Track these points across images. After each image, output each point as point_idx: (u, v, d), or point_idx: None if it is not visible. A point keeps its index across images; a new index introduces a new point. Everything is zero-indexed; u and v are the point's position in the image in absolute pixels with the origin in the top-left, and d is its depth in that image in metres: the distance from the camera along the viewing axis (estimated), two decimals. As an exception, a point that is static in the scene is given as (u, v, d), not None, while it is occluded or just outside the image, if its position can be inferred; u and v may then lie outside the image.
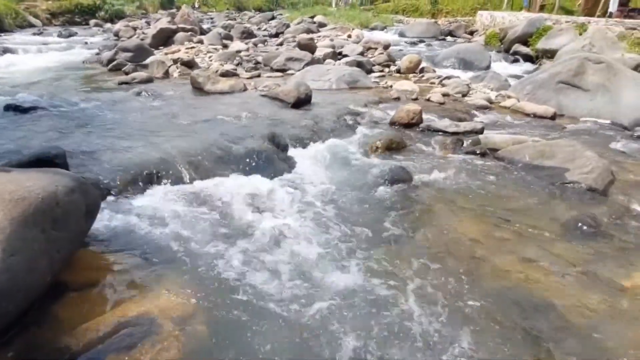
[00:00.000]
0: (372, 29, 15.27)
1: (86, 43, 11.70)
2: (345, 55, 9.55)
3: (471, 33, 14.08)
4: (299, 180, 3.42)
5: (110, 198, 3.03)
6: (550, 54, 9.79)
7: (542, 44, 10.17)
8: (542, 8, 13.82)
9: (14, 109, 4.90)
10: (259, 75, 7.64)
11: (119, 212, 2.88)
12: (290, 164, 3.73)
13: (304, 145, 4.12)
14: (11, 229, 1.68)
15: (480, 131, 4.42)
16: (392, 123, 4.63)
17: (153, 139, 4.05)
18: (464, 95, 6.29)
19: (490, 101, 6.10)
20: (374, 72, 8.40)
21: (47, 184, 1.94)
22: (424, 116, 4.69)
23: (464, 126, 4.39)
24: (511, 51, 10.79)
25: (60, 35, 13.18)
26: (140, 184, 3.30)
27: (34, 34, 13.74)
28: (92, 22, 16.62)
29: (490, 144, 4.08)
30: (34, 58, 9.68)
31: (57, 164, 3.08)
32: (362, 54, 9.89)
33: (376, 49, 10.45)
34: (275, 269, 2.38)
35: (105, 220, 2.75)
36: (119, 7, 18.60)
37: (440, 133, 4.38)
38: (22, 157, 3.06)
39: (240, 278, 2.31)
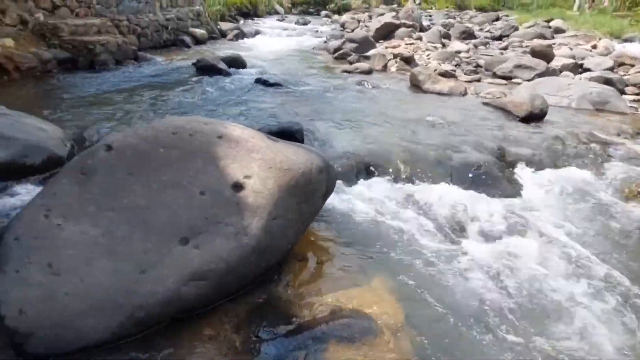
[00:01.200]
0: (627, 40, 12.50)
1: (317, 31, 13.08)
2: (588, 70, 8.05)
3: None
4: (528, 208, 2.97)
5: (333, 180, 3.23)
6: None
7: None
8: None
9: (262, 82, 5.77)
10: (479, 80, 7.12)
11: (340, 195, 3.03)
12: (517, 187, 3.28)
13: (536, 169, 3.58)
14: (278, 196, 1.87)
15: None
16: (663, 165, 3.60)
17: (371, 131, 4.16)
18: None
19: None
20: (626, 93, 6.83)
21: (305, 160, 2.10)
22: None
23: None
24: None
25: (297, 23, 15.13)
26: (359, 172, 3.41)
27: (278, 20, 16.15)
28: (323, 12, 18.58)
29: None
30: (276, 40, 11.34)
31: (296, 138, 3.43)
32: (611, 69, 8.17)
33: (632, 65, 8.47)
34: (501, 287, 2.10)
35: (329, 200, 2.93)
36: (347, 0, 20.24)
37: None
38: (272, 126, 3.52)
39: (457, 291, 2.11)
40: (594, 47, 10.91)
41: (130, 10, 8.09)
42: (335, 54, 8.59)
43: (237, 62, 6.93)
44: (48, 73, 5.60)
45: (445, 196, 3.09)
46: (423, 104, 5.29)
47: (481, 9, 24.03)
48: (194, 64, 6.73)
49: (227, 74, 6.31)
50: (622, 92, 6.80)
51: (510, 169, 3.52)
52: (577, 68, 8.02)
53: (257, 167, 1.87)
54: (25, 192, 2.74)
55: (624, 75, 7.86)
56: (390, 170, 3.43)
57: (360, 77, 6.64)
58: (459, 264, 2.35)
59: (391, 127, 4.28)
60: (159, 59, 7.22)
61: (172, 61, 7.27)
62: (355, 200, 3.01)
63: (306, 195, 2.05)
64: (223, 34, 11.33)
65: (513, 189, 3.23)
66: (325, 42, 10.96)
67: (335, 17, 17.42)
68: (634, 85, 7.33)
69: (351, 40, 8.80)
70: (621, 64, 8.67)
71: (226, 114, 4.33)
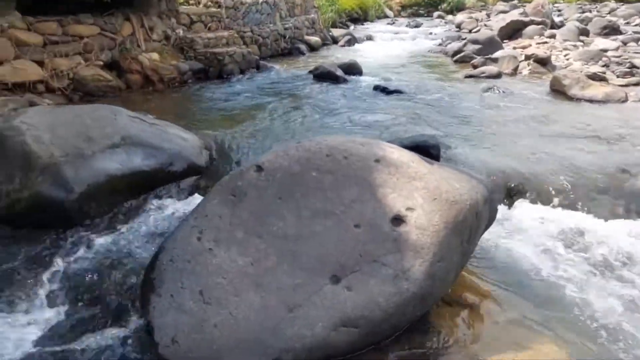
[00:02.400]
0: None
1: (430, 34, 12.41)
2: None
3: None
4: None
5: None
6: None
7: None
8: None
9: (382, 90, 5.49)
10: (637, 84, 5.91)
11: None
12: None
13: None
14: (444, 234, 1.55)
15: None
16: None
17: (513, 145, 3.60)
18: None
19: None
20: None
21: (470, 189, 1.74)
22: None
23: None
24: None
25: (407, 26, 14.59)
26: (505, 197, 2.93)
27: (388, 24, 15.78)
28: (435, 14, 17.67)
29: None
30: (388, 45, 11.00)
31: (431, 155, 3.07)
32: None
33: None
34: None
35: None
36: (461, -1, 18.99)
37: None
38: (403, 140, 3.21)
39: None
40: None
41: (255, 21, 8.48)
42: (455, 57, 7.96)
43: (353, 69, 6.77)
44: (184, 83, 6.05)
45: (620, 235, 2.47)
46: (572, 113, 4.50)
47: (623, 1, 20.74)
48: (310, 71, 6.74)
49: (344, 81, 6.17)
50: None
51: None
52: None
53: (420, 198, 1.58)
54: (170, 200, 2.84)
55: None
56: (543, 195, 2.89)
57: (488, 82, 5.97)
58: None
59: (536, 141, 3.66)
60: (277, 67, 7.41)
61: (290, 69, 7.40)
62: (504, 231, 2.55)
63: (470, 232, 1.70)
64: (335, 40, 11.35)
65: None
66: (440, 44, 10.30)
67: (449, 17, 16.42)
68: None
69: (474, 42, 8.07)
70: None
71: (350, 123, 4.14)
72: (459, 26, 12.88)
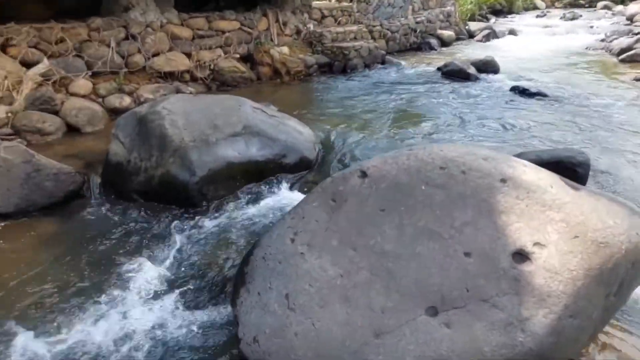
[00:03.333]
0: None
1: (591, 27, 10.63)
2: None
3: None
4: None
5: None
6: None
7: None
8: None
9: (520, 92, 4.85)
10: None
11: None
12: None
13: None
14: (583, 282, 1.22)
15: None
16: None
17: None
18: None
19: None
20: None
21: (629, 227, 1.35)
22: None
23: None
24: None
25: (562, 18, 12.74)
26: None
27: (537, 16, 14.01)
28: (600, 4, 15.06)
29: None
30: (535, 40, 9.75)
31: (577, 174, 2.56)
32: None
33: None
34: None
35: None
36: (639, -15, 15.77)
37: None
38: (541, 153, 2.74)
39: None
40: None
41: (385, 15, 8.31)
42: (622, 56, 6.65)
43: (488, 67, 6.14)
44: (310, 76, 6.23)
45: None
46: None
47: None
48: (439, 68, 6.32)
49: (477, 80, 5.64)
50: None
51: None
52: None
53: (555, 233, 1.27)
54: (279, 190, 2.91)
55: None
56: None
57: (665, 87, 4.83)
58: None
59: None
60: (403, 63, 7.14)
61: (416, 65, 7.07)
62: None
63: (622, 284, 1.32)
64: (471, 35, 10.51)
65: None
66: (603, 40, 8.72)
67: (618, 8, 13.84)
68: None
69: (650, 37, 6.61)
70: None
71: (477, 130, 3.74)
72: (630, 19, 10.76)
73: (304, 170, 3.24)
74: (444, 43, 9.45)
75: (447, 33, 9.75)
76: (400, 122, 4.02)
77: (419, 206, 1.43)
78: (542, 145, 3.19)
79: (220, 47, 5.66)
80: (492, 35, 10.33)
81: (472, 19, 12.62)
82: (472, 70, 5.84)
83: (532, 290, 1.24)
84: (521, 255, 1.28)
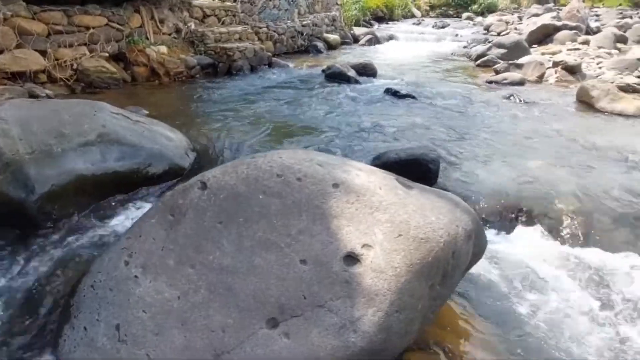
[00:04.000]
0: None
1: (456, 35, 11.93)
2: None
3: None
4: None
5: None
6: None
7: None
8: None
9: (393, 94, 5.19)
10: (677, 98, 5.38)
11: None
12: None
13: None
14: (406, 278, 1.29)
15: None
16: None
17: (525, 163, 3.25)
18: None
19: None
20: None
21: (450, 221, 1.47)
22: None
23: None
24: None
25: (434, 26, 14.11)
26: (509, 222, 2.61)
27: (414, 23, 15.32)
28: (464, 15, 17.05)
29: None
30: (411, 46, 10.62)
31: (429, 171, 2.79)
32: None
33: None
34: None
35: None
36: (493, 0, 18.25)
37: None
38: (400, 152, 2.93)
39: None
40: None
41: (271, 17, 8.29)
42: (478, 61, 7.54)
43: (367, 70, 6.48)
44: (192, 78, 5.91)
45: (630, 271, 2.14)
46: (599, 128, 4.09)
47: (670, 6, 19.56)
48: (323, 70, 6.49)
49: (356, 82, 5.90)
50: None
51: None
52: None
53: (381, 233, 1.32)
54: (141, 203, 2.67)
55: None
56: (554, 223, 2.56)
57: (509, 89, 5.58)
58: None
59: (555, 160, 3.30)
60: (290, 65, 7.19)
61: (303, 67, 7.17)
62: (495, 261, 2.26)
63: (444, 274, 1.43)
64: (356, 39, 11.06)
65: None
66: (465, 47, 9.86)
67: (479, 19, 15.80)
68: None
69: (499, 45, 7.63)
70: None
71: (346, 130, 3.88)
72: (487, 29, 12.35)
73: (175, 178, 3.03)
74: (331, 46, 9.77)
75: (333, 37, 10.11)
76: (278, 125, 4.00)
77: (256, 217, 1.38)
78: (407, 144, 3.42)
79: (85, 44, 5.06)
80: (374, 40, 10.99)
81: (357, 24, 13.30)
82: (352, 73, 6.10)
83: (362, 291, 1.27)
84: (351, 258, 1.30)
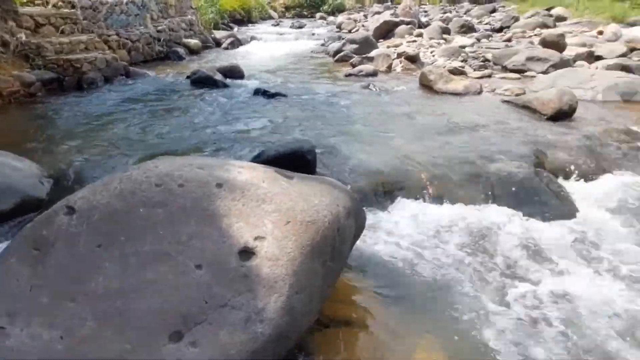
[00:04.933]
0: (632, 24, 11.95)
1: (313, 34, 12.57)
2: (600, 57, 7.53)
3: None
4: (584, 233, 2.45)
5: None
6: None
7: None
8: None
9: (262, 93, 5.26)
10: (489, 76, 6.60)
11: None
12: (565, 204, 2.77)
13: (582, 177, 3.07)
14: (301, 260, 1.37)
15: None
16: None
17: (389, 142, 3.66)
18: None
19: None
20: (647, 80, 6.30)
21: (330, 202, 1.60)
22: None
23: None
24: None
25: (292, 27, 14.63)
26: (381, 196, 2.91)
27: (273, 25, 15.64)
28: (318, 15, 18.04)
29: None
30: (273, 46, 10.84)
31: (307, 160, 2.93)
32: (624, 55, 7.64)
33: (646, 50, 7.94)
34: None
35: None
36: (341, 0, 19.69)
37: None
38: (279, 147, 3.01)
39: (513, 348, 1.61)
40: (600, 33, 10.37)
41: (120, 23, 7.60)
42: (336, 57, 8.09)
43: (234, 72, 6.44)
44: (32, 97, 5.11)
45: (486, 221, 2.59)
46: (438, 106, 4.78)
47: (475, 2, 23.47)
48: (188, 76, 6.24)
49: (224, 86, 5.82)
50: (644, 80, 6.27)
51: (555, 180, 3.01)
52: (591, 57, 7.49)
53: (271, 224, 1.37)
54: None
55: (639, 60, 7.33)
56: (417, 190, 2.93)
57: (365, 80, 6.14)
58: (517, 312, 1.85)
59: (409, 136, 3.77)
60: (151, 74, 6.73)
61: (165, 75, 6.78)
62: (380, 233, 2.51)
63: (333, 250, 1.55)
64: (218, 43, 10.84)
65: (565, 207, 2.72)
66: (323, 44, 10.46)
67: (331, 18, 16.90)
68: (653, 71, 6.81)
69: (351, 42, 8.30)
70: (633, 49, 8.14)
71: (224, 134, 3.83)
72: (339, 27, 13.29)
73: (31, 212, 2.61)
74: (193, 51, 9.41)
75: (194, 41, 9.74)
76: (144, 136, 3.74)
77: (139, 231, 1.31)
78: (284, 139, 3.52)
79: None
80: (236, 42, 10.93)
81: (217, 27, 13.04)
82: (219, 76, 5.99)
83: (262, 281, 1.30)
84: (246, 252, 1.33)
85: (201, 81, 5.92)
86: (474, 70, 6.92)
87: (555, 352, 1.66)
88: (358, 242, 2.27)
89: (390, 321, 1.86)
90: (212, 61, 8.30)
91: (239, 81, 6.17)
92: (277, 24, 15.75)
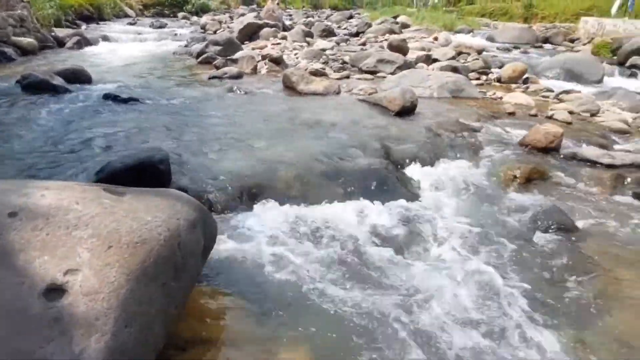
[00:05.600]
0: (458, 32, 14.12)
1: (176, 35, 11.82)
2: (436, 60, 8.69)
3: (572, 41, 12.46)
4: (427, 213, 2.76)
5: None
6: (680, 71, 8.27)
7: (669, 58, 8.63)
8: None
9: (113, 99, 4.71)
10: (348, 77, 7.05)
11: (221, 235, 2.41)
12: (410, 189, 3.08)
13: (422, 165, 3.46)
14: (129, 288, 1.20)
15: (642, 165, 3.49)
16: (524, 145, 3.81)
17: (250, 145, 3.60)
18: (592, 115, 5.25)
19: (627, 124, 5.03)
20: (470, 79, 7.49)
21: (169, 216, 1.45)
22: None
23: (622, 158, 3.47)
24: (627, 64, 9.30)
25: (152, 26, 13.51)
26: (240, 200, 2.82)
27: (129, 23, 14.23)
28: (180, 14, 17.01)
29: (661, 185, 3.17)
30: (129, 47, 9.85)
31: (160, 171, 2.69)
32: (453, 58, 8.95)
33: (469, 53, 9.44)
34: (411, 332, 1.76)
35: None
36: (205, 0, 18.93)
37: (588, 164, 3.50)
38: (126, 159, 2.70)
39: (366, 339, 1.72)
40: (436, 39, 11.99)
41: None
42: (199, 59, 7.71)
43: (79, 76, 5.62)
44: None
45: (341, 214, 2.71)
46: (300, 107, 4.90)
47: (335, 8, 25.01)
48: (18, 81, 5.23)
49: (66, 91, 5.03)
50: (467, 78, 7.43)
51: (400, 169, 3.32)
52: (429, 59, 8.58)
53: (87, 252, 1.17)
54: None
55: (465, 63, 8.67)
56: (278, 191, 2.93)
57: (230, 82, 5.96)
58: (368, 302, 1.97)
59: (272, 138, 3.77)
60: (-34, 79, 5.47)
61: (-14, 80, 5.58)
62: (241, 238, 2.43)
63: (175, 268, 1.42)
64: (60, 42, 9.39)
65: (407, 192, 3.01)
66: (186, 45, 9.89)
67: (195, 18, 16.11)
68: (474, 71, 8.10)
69: (215, 43, 8.00)
70: (461, 53, 9.60)
71: (61, 148, 3.30)
72: (204, 28, 12.74)
73: None
74: (27, 52, 7.98)
75: (28, 40, 8.27)
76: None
77: None
78: (132, 150, 3.17)
79: None
80: (84, 42, 9.62)
81: (59, 25, 11.33)
82: (58, 81, 5.16)
83: (78, 321, 1.10)
84: (55, 291, 1.11)
85: (35, 86, 5.02)
86: (334, 71, 7.30)
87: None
88: (217, 252, 2.16)
89: (256, 334, 1.79)
90: (52, 63, 7.13)
91: (84, 86, 5.42)
92: (135, 23, 14.38)
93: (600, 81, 8.25)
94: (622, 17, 12.47)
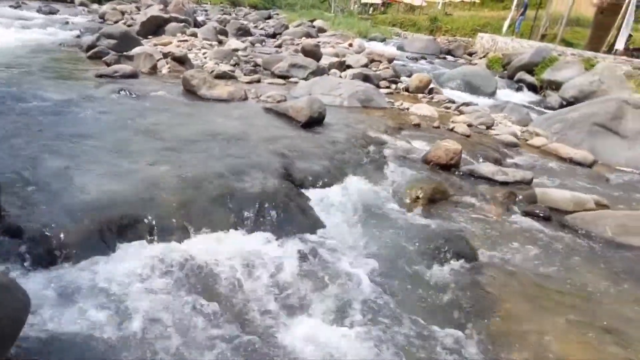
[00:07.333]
0: (371, 39, 14.36)
1: (67, 23, 10.24)
2: (350, 66, 8.59)
3: (470, 54, 13.39)
4: (326, 245, 2.43)
5: (53, 267, 1.97)
6: (556, 86, 9.20)
7: (547, 75, 9.56)
8: (542, 37, 13.25)
9: (-46, 100, 3.67)
10: (259, 81, 6.57)
11: (64, 294, 1.83)
12: (310, 216, 2.73)
13: (324, 186, 3.13)
14: None
15: (530, 182, 3.57)
16: (427, 162, 3.70)
17: (131, 162, 2.96)
18: (488, 128, 5.45)
19: (516, 137, 5.29)
20: (380, 87, 7.49)
21: None
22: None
23: (513, 175, 3.51)
24: (515, 78, 10.15)
25: (39, 11, 11.60)
26: (101, 239, 2.22)
27: (12, 6, 12.06)
28: (77, 1, 14.92)
29: (548, 202, 3.24)
30: (4, 33, 8.22)
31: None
32: (366, 65, 8.94)
33: (380, 62, 9.52)
34: None
35: (44, 311, 1.70)
36: (109, -13, 16.86)
37: (484, 181, 3.49)
38: None
39: None
40: (350, 45, 11.99)
41: None
42: (89, 53, 6.62)
43: None
44: None
45: (226, 251, 2.27)
46: (199, 115, 4.31)
47: (254, 7, 24.19)
48: None
49: None
50: (378, 86, 7.41)
51: (299, 192, 2.96)
52: (342, 65, 8.43)
53: None
54: None
55: (376, 70, 8.69)
56: (154, 223, 2.38)
57: (121, 83, 5.12)
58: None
59: (156, 154, 3.16)
60: None
61: None
62: (91, 292, 1.88)
63: None
64: None
65: (306, 220, 2.66)
66: (78, 37, 8.57)
67: (95, 6, 14.25)
68: (385, 79, 8.14)
69: (109, 36, 6.95)
70: (373, 60, 9.63)
71: None
72: (103, 17, 11.26)
73: None
74: None
75: None
76: None
77: None
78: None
79: None
80: (-59, 24, 7.80)
81: None
82: None
83: None
84: None
85: None
86: (245, 74, 6.77)
87: None
88: (52, 316, 1.59)
89: None
90: None
91: None
92: (19, 6, 12.23)
93: (494, 93, 8.85)
94: (511, 36, 13.69)
